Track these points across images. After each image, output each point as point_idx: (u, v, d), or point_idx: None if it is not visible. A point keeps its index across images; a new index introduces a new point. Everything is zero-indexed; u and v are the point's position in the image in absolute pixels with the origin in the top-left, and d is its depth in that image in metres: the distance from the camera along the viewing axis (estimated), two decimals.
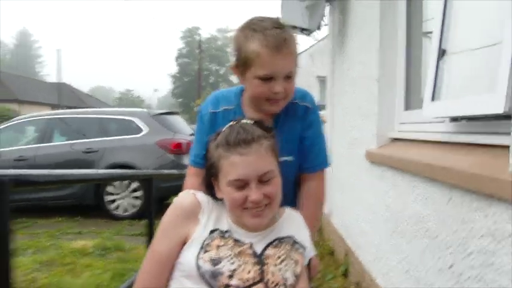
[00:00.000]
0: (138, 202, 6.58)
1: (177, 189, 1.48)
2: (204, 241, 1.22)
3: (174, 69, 67.75)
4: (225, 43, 68.32)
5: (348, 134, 3.76)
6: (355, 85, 3.58)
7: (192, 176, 1.54)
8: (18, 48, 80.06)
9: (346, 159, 3.72)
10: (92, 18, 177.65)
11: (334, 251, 4.25)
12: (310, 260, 1.43)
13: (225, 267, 1.18)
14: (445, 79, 1.99)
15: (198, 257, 1.20)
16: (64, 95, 34.59)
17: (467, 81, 1.91)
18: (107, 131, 6.86)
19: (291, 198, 1.55)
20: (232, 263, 1.19)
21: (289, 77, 1.39)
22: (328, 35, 5.17)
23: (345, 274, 3.52)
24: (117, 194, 6.62)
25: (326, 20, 4.78)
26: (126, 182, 6.55)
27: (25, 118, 7.62)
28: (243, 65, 1.39)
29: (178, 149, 6.59)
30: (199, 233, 1.24)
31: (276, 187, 1.24)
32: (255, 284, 1.19)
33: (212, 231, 1.24)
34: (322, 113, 1.44)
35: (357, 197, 3.39)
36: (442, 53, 2.01)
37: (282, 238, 1.30)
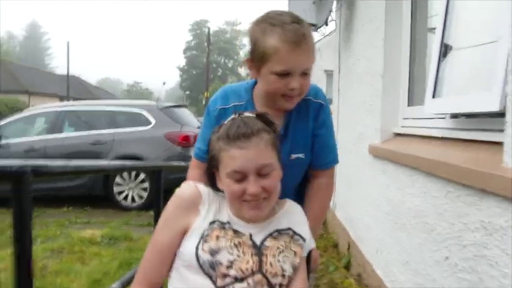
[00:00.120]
0: (145, 193, 6.70)
1: (183, 181, 1.50)
2: (204, 232, 1.24)
3: (182, 61, 67.81)
4: (234, 36, 68.23)
5: (354, 129, 3.81)
6: (361, 80, 3.62)
7: (195, 168, 1.57)
8: (27, 40, 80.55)
9: (351, 153, 3.76)
10: (100, 11, 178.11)
11: (338, 243, 4.31)
12: (310, 253, 1.45)
13: (224, 257, 1.19)
14: (446, 76, 2.04)
15: (197, 247, 1.21)
16: (73, 87, 34.81)
17: (469, 78, 1.96)
18: (116, 123, 6.96)
19: (296, 193, 1.57)
20: (231, 254, 1.20)
21: (305, 74, 1.37)
22: (335, 29, 5.20)
23: (347, 266, 3.59)
24: (126, 185, 6.74)
25: (333, 15, 4.81)
26: (134, 173, 6.65)
27: (35, 110, 7.73)
28: (259, 59, 1.35)
29: (186, 141, 6.67)
30: (200, 223, 1.26)
31: (274, 181, 1.25)
32: (253, 274, 1.20)
33: (212, 222, 1.26)
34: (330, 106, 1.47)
35: (360, 191, 3.45)
36: (444, 51, 2.05)
37: (282, 230, 1.31)
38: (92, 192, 6.83)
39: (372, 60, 3.16)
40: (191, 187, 1.34)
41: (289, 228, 1.32)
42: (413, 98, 2.75)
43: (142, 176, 6.68)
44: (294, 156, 1.49)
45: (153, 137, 6.68)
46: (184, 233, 1.26)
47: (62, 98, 31.96)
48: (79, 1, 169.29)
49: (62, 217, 5.99)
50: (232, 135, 1.22)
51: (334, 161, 1.60)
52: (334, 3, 4.71)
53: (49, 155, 6.57)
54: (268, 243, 1.26)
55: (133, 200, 6.72)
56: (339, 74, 4.81)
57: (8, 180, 1.05)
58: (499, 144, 1.43)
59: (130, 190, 6.73)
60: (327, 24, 4.75)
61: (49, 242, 4.74)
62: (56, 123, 7.09)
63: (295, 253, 1.29)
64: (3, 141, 6.95)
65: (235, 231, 1.25)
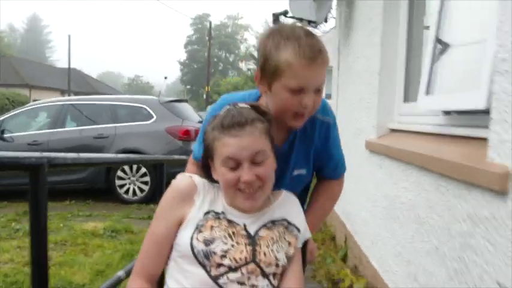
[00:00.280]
0: (146, 187, 6.80)
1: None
2: (199, 222, 1.24)
3: (183, 55, 67.78)
4: (235, 30, 68.11)
5: (352, 125, 3.89)
6: (359, 77, 3.69)
7: (193, 164, 1.61)
8: (28, 33, 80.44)
9: (350, 149, 3.84)
10: (101, 4, 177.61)
11: (335, 236, 4.41)
12: (307, 244, 1.50)
13: (218, 247, 1.20)
14: (439, 74, 2.12)
15: (192, 238, 1.22)
16: (74, 81, 34.86)
17: (461, 76, 2.04)
18: (118, 117, 7.06)
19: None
20: (225, 243, 1.21)
21: (318, 90, 1.32)
22: (335, 26, 5.27)
23: (344, 258, 3.68)
24: (127, 178, 6.84)
25: (333, 12, 4.88)
26: (135, 167, 6.75)
27: (38, 104, 7.82)
28: (271, 74, 1.29)
29: (187, 135, 6.77)
30: (194, 214, 1.26)
31: (268, 169, 1.25)
32: (247, 263, 1.20)
33: (207, 213, 1.27)
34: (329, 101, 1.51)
35: (358, 185, 3.53)
36: (438, 49, 2.13)
37: (276, 220, 1.32)
38: (94, 186, 6.95)
39: (371, 58, 3.23)
40: (186, 178, 1.33)
41: (284, 219, 1.34)
42: (409, 94, 2.83)
43: (143, 169, 6.78)
44: (296, 172, 1.50)
45: (155, 131, 6.78)
46: (179, 224, 1.27)
47: (63, 92, 32.07)
48: None
49: (64, 210, 6.09)
50: (226, 124, 1.23)
51: (343, 169, 1.65)
52: (334, 1, 4.78)
53: (52, 148, 6.66)
54: (262, 233, 1.27)
55: (134, 193, 6.83)
56: (338, 71, 4.89)
57: (26, 171, 1.13)
58: (485, 140, 1.51)
59: (132, 184, 6.83)
60: (326, 21, 4.82)
61: (52, 234, 4.82)
62: (58, 117, 7.19)
63: (289, 243, 1.30)
64: (7, 135, 7.04)
65: (230, 221, 1.26)
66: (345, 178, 1.71)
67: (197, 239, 1.21)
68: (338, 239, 4.26)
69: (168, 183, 1.36)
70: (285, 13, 5.12)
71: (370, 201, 3.06)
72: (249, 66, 40.47)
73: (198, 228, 1.23)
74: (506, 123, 1.32)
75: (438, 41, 2.14)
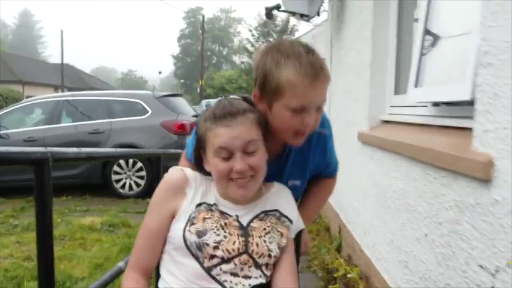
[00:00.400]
0: (142, 181, 6.86)
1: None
2: (191, 214, 1.25)
3: (176, 49, 67.56)
4: (228, 23, 67.87)
5: (344, 117, 3.95)
6: (351, 70, 3.75)
7: (185, 159, 1.59)
8: (20, 29, 79.86)
9: (342, 140, 3.91)
10: None
11: (330, 227, 4.49)
12: (301, 236, 1.53)
13: (211, 238, 1.20)
14: (427, 67, 2.18)
15: (184, 230, 1.23)
16: (67, 76, 34.74)
17: (448, 69, 2.09)
18: (114, 112, 7.10)
19: None
20: (218, 235, 1.22)
21: (319, 108, 1.29)
22: (327, 20, 5.31)
23: (339, 248, 3.76)
24: (123, 173, 6.88)
25: (325, 6, 4.92)
26: (131, 161, 6.80)
27: (33, 100, 7.83)
28: (272, 94, 1.24)
29: (182, 129, 6.81)
30: (186, 206, 1.27)
31: (260, 159, 1.26)
32: (240, 254, 1.21)
33: (199, 205, 1.28)
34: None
35: (350, 176, 3.60)
36: (428, 41, 2.18)
37: (268, 211, 1.33)
38: (91, 181, 6.99)
39: (362, 51, 3.28)
40: (178, 171, 1.34)
41: (276, 210, 1.35)
42: (400, 86, 2.89)
43: (139, 164, 6.83)
44: (290, 183, 1.50)
45: (150, 126, 6.82)
46: (172, 216, 1.28)
47: (56, 88, 31.94)
48: None
49: (61, 206, 6.14)
50: (218, 114, 1.24)
51: (338, 169, 1.70)
52: None
53: (48, 144, 6.64)
54: (254, 224, 1.28)
55: (130, 188, 6.88)
56: (330, 64, 4.94)
57: (32, 165, 1.18)
58: (470, 130, 1.58)
59: (128, 178, 6.88)
60: (318, 15, 4.85)
61: None
62: (53, 113, 7.22)
63: (281, 234, 1.31)
64: (3, 131, 7.06)
65: (222, 213, 1.27)
66: (338, 169, 1.76)
67: (189, 231, 1.22)
68: (332, 229, 4.34)
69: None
70: (277, 7, 5.14)
71: (362, 191, 3.13)
72: (242, 60, 40.32)
73: (191, 220, 1.24)
74: (490, 114, 1.38)
75: (427, 32, 2.20)
